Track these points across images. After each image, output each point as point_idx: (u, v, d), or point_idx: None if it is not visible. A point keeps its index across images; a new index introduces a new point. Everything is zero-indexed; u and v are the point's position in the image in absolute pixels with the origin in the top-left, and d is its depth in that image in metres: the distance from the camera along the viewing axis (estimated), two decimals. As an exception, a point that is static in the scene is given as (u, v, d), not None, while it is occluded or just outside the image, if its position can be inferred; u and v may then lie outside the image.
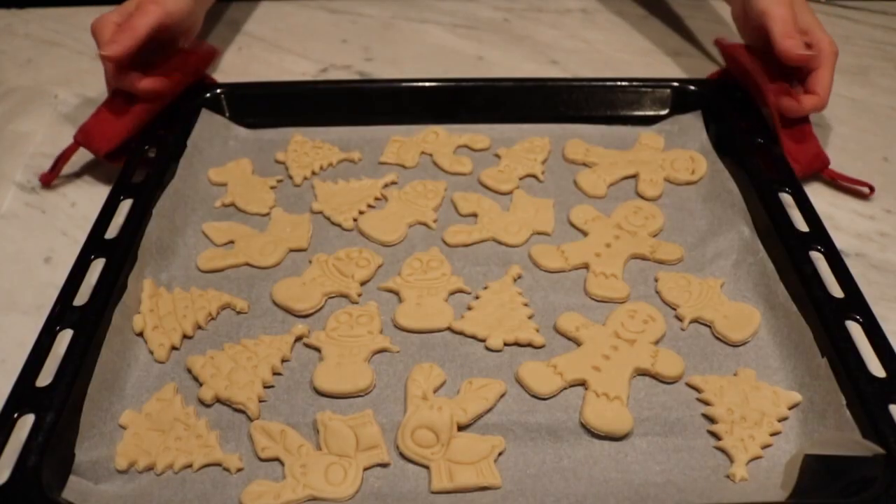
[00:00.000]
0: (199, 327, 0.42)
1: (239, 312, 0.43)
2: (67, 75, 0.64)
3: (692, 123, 0.54)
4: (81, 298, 0.40)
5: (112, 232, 0.44)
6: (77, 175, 0.53)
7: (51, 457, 0.33)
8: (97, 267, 0.42)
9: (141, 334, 0.41)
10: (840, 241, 0.47)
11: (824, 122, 0.57)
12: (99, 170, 0.53)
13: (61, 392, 0.36)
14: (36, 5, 0.73)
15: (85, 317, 0.39)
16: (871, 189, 0.50)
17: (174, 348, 0.41)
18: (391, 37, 0.69)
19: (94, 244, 0.43)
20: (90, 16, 0.72)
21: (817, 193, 0.50)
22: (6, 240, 0.48)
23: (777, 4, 0.50)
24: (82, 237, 0.44)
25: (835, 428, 0.35)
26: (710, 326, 0.42)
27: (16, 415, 0.35)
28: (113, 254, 0.43)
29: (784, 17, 0.50)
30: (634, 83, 0.57)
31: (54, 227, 0.45)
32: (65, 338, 0.38)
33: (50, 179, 0.51)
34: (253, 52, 0.67)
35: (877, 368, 0.36)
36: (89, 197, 0.51)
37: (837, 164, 0.53)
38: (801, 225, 0.44)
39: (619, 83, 0.57)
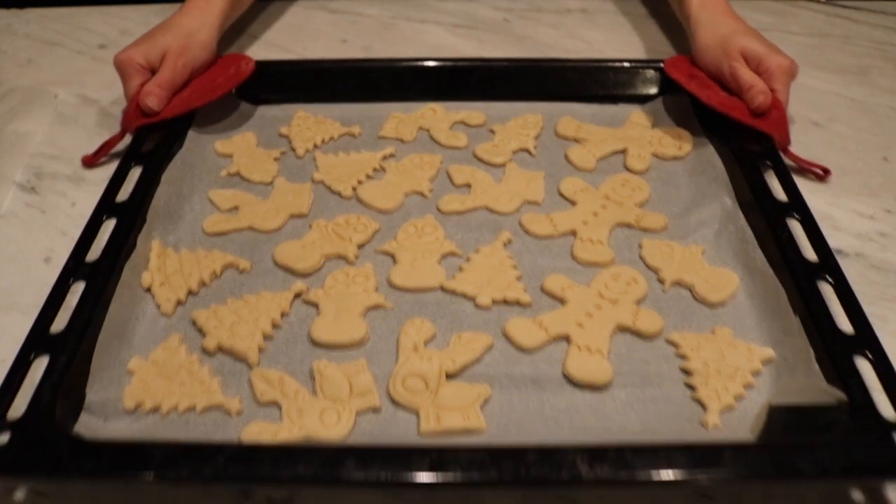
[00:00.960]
0: (204, 284, 0.44)
1: (241, 272, 0.45)
2: (67, 75, 0.64)
3: (680, 103, 0.56)
4: (93, 255, 0.42)
5: (123, 196, 0.46)
6: (77, 175, 0.53)
7: (63, 396, 0.36)
8: (108, 227, 0.44)
9: (149, 290, 0.43)
10: (840, 241, 0.47)
11: (824, 122, 0.57)
12: (99, 170, 0.53)
13: (73, 337, 0.38)
14: (36, 5, 0.73)
15: (96, 271, 0.42)
16: (826, 172, 0.52)
17: (180, 303, 0.43)
18: (391, 37, 0.69)
19: (106, 205, 0.46)
20: (90, 16, 0.73)
21: (817, 193, 0.50)
22: (6, 240, 0.48)
23: (736, 57, 0.53)
24: (82, 237, 0.44)
25: (804, 379, 0.37)
26: (690, 289, 0.43)
27: (32, 356, 0.37)
28: (123, 215, 0.45)
29: (748, 76, 0.52)
30: (625, 63, 0.59)
31: (54, 227, 0.45)
32: (77, 289, 0.40)
33: (92, 161, 0.53)
34: (253, 51, 0.67)
35: (846, 325, 0.38)
36: (89, 197, 0.51)
37: (837, 163, 0.53)
38: (780, 195, 0.46)
39: (610, 63, 0.59)
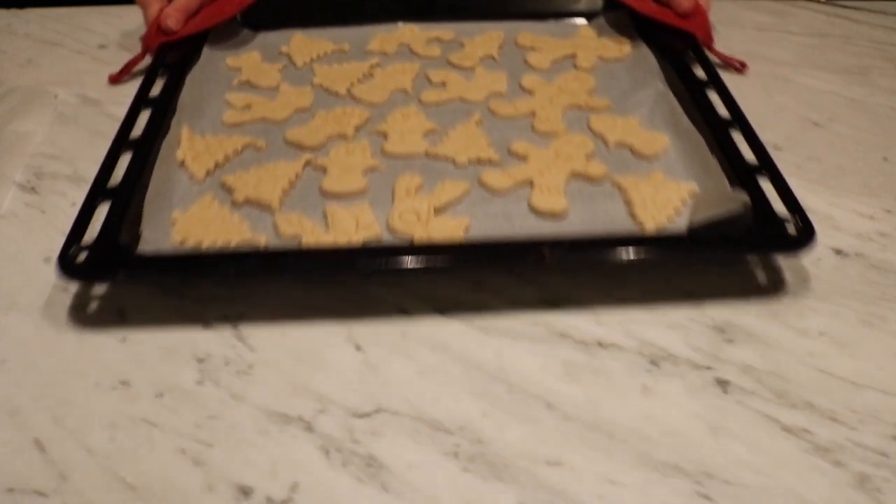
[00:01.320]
0: (228, 159, 0.53)
1: (258, 150, 0.54)
2: (67, 75, 0.64)
3: (621, 18, 0.67)
4: (136, 134, 0.52)
5: (155, 91, 0.57)
6: (77, 175, 0.53)
7: (125, 230, 0.45)
8: (144, 116, 0.54)
9: (182, 163, 0.52)
10: (840, 241, 0.47)
11: (824, 122, 0.57)
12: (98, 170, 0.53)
13: (127, 190, 0.48)
14: (36, 5, 0.73)
15: (140, 145, 0.52)
16: (744, 65, 0.64)
17: (209, 173, 0.51)
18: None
19: (142, 98, 0.56)
20: (90, 16, 0.72)
21: (817, 193, 0.51)
22: (6, 240, 0.48)
23: None
24: (82, 237, 0.44)
25: (718, 192, 0.47)
26: (630, 148, 0.53)
27: (96, 202, 0.46)
28: (157, 105, 0.56)
29: None
30: None
31: (54, 227, 0.46)
32: (125, 160, 0.50)
33: (118, 79, 0.64)
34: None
35: (752, 160, 0.49)
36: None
37: (837, 163, 0.53)
38: (702, 75, 0.58)
39: None
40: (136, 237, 0.45)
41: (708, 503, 0.34)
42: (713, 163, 0.49)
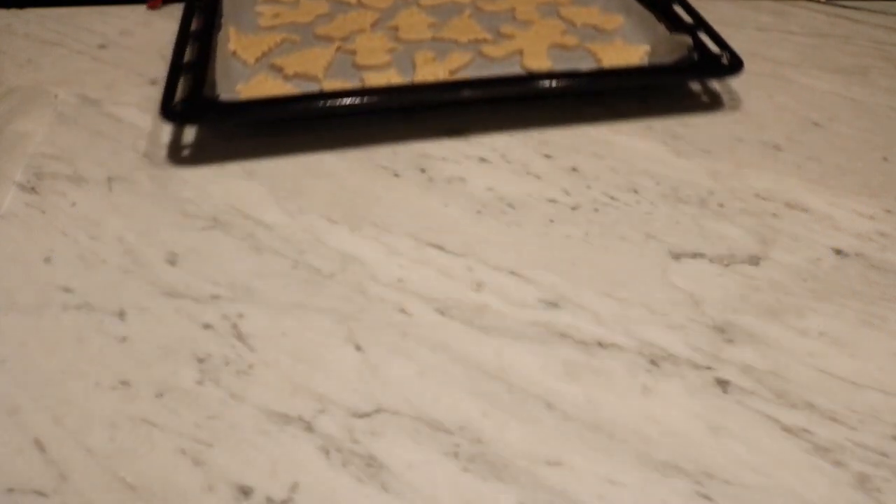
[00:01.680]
0: (271, 50, 0.63)
1: (294, 43, 0.64)
2: (67, 75, 0.64)
3: None
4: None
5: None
6: (77, 175, 0.53)
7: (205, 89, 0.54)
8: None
9: (234, 53, 0.62)
10: (840, 241, 0.47)
11: (824, 122, 0.57)
12: (98, 170, 0.52)
13: (200, 63, 0.58)
14: (36, 5, 0.73)
15: (199, 31, 0.62)
16: None
17: (257, 59, 0.61)
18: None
19: (192, 4, 0.66)
20: (90, 16, 0.72)
21: (817, 193, 0.51)
22: (6, 240, 0.48)
23: None
24: (82, 237, 0.44)
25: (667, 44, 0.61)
26: (593, 27, 0.66)
27: (180, 72, 0.56)
28: (206, 9, 0.65)
29: None
30: None
31: (54, 227, 0.45)
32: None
33: (156, 4, 0.72)
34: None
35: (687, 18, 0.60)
36: (89, 197, 0.51)
37: (837, 163, 0.53)
38: None
39: None
40: (216, 100, 0.54)
41: (708, 503, 0.34)
42: (661, 28, 0.62)
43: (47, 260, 0.47)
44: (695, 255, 0.47)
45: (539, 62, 0.60)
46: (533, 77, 0.57)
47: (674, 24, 0.62)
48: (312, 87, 0.58)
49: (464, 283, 0.45)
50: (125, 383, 0.40)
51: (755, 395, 0.39)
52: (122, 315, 0.43)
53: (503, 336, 0.42)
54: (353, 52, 0.62)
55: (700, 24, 0.62)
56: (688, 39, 0.59)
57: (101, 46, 0.68)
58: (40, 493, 0.35)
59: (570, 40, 0.64)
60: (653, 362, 0.40)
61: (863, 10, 0.72)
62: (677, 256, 0.46)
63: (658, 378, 0.39)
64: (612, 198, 0.51)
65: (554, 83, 0.55)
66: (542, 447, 0.36)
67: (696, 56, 0.57)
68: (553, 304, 0.43)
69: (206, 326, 0.43)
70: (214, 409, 0.38)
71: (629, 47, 0.62)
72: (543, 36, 0.64)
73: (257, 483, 0.35)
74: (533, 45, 0.63)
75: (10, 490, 0.35)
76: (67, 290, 0.45)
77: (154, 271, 0.46)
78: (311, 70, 0.59)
